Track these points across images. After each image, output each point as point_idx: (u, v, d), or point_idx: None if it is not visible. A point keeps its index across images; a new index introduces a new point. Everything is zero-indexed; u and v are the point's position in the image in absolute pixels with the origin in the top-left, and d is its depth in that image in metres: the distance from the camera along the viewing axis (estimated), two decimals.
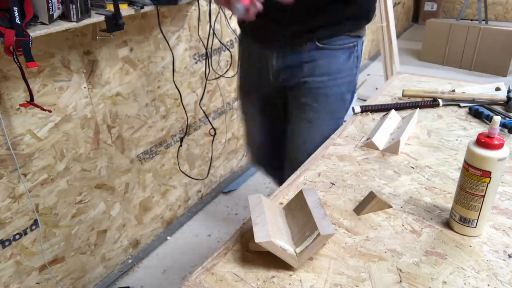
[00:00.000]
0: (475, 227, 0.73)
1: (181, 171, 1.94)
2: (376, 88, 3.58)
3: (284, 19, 1.09)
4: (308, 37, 1.10)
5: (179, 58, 1.76)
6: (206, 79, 1.92)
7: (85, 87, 1.42)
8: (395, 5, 4.62)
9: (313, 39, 1.11)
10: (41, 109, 1.21)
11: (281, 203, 0.86)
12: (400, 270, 0.67)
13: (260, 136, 1.45)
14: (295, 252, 0.67)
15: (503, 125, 1.08)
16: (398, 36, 4.34)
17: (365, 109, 1.25)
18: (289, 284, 0.66)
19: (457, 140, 1.07)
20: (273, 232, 0.67)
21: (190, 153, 2.03)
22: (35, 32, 1.06)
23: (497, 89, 1.32)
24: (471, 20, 5.20)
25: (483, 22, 4.38)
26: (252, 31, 1.22)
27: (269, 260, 0.69)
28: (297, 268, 0.68)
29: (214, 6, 1.79)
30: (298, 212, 0.75)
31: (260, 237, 0.65)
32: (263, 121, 1.41)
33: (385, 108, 1.24)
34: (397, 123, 1.16)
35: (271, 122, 1.40)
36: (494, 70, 3.88)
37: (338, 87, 1.18)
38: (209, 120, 2.04)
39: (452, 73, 3.96)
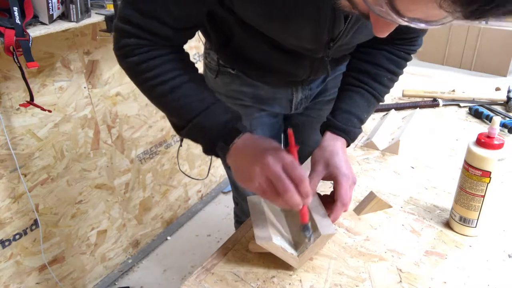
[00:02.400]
0: (475, 227, 0.73)
1: (181, 171, 1.93)
2: None
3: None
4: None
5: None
6: None
7: (85, 87, 1.42)
8: None
9: None
10: (41, 109, 1.21)
11: None
12: (400, 270, 0.67)
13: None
14: (296, 253, 0.67)
15: (503, 125, 1.08)
16: None
17: None
18: (289, 284, 0.66)
19: (457, 140, 1.07)
20: (273, 233, 0.67)
21: (190, 153, 2.03)
22: (35, 32, 1.06)
23: (497, 89, 1.32)
24: None
25: (483, 22, 4.38)
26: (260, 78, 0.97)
27: (269, 260, 0.69)
28: (297, 268, 0.68)
29: None
30: (298, 212, 0.75)
31: (260, 238, 0.65)
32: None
33: (385, 108, 1.24)
34: (397, 123, 1.16)
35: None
36: (494, 70, 3.88)
37: None
38: None
39: (452, 73, 3.96)
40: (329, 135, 0.80)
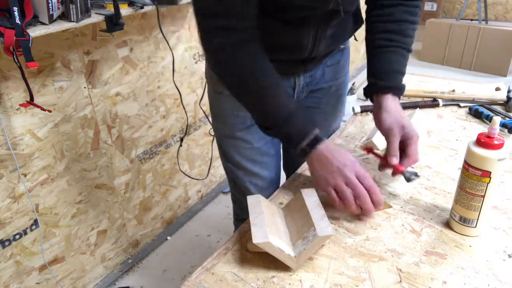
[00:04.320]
0: (475, 227, 0.73)
1: (181, 171, 1.94)
2: None
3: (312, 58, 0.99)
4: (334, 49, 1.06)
5: (179, 58, 1.76)
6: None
7: (85, 87, 1.42)
8: None
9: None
10: (41, 109, 1.21)
11: (281, 203, 0.86)
12: (400, 270, 0.67)
13: None
14: (293, 253, 0.67)
15: (503, 125, 1.08)
16: None
17: (365, 109, 1.25)
18: (289, 284, 0.66)
19: (457, 140, 1.07)
20: (271, 233, 0.67)
21: (190, 153, 2.03)
22: (35, 32, 1.06)
23: (497, 89, 1.32)
24: (471, 20, 5.20)
25: (483, 22, 4.38)
26: None
27: (269, 260, 0.69)
28: (294, 269, 0.68)
29: None
30: (297, 213, 0.75)
31: (257, 237, 0.65)
32: None
33: None
34: None
35: None
36: (494, 70, 3.88)
37: (346, 82, 1.18)
38: (209, 120, 2.04)
39: (452, 73, 3.96)
40: (386, 98, 0.88)
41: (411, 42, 0.93)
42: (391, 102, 0.87)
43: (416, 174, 0.82)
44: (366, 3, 0.96)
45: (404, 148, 0.84)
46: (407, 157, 0.82)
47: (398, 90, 0.89)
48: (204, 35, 0.78)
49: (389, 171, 0.85)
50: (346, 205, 0.75)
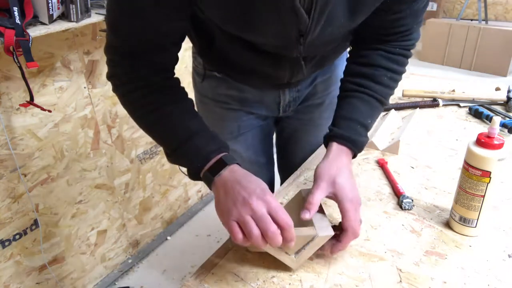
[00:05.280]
0: (475, 227, 0.73)
1: (181, 171, 1.93)
2: None
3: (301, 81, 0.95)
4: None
5: (179, 58, 1.76)
6: None
7: (85, 87, 1.42)
8: None
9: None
10: (41, 109, 1.21)
11: (281, 203, 0.86)
12: (400, 270, 0.67)
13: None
14: (293, 253, 0.67)
15: (503, 125, 1.08)
16: None
17: None
18: (289, 284, 0.66)
19: (457, 140, 1.07)
20: None
21: None
22: (35, 32, 1.06)
23: (497, 89, 1.32)
24: (471, 20, 5.20)
25: (483, 22, 4.38)
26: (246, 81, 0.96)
27: (269, 260, 0.69)
28: (294, 269, 0.68)
29: None
30: (297, 213, 0.75)
31: None
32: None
33: (385, 108, 1.24)
34: (397, 123, 1.16)
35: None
36: (494, 70, 3.88)
37: None
38: None
39: (452, 73, 3.96)
40: (334, 147, 0.74)
41: (384, 92, 0.80)
42: (336, 155, 0.73)
43: (410, 202, 0.81)
44: (351, 43, 0.87)
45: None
46: (344, 230, 0.66)
47: (348, 142, 0.74)
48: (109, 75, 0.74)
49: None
50: (251, 242, 0.60)
